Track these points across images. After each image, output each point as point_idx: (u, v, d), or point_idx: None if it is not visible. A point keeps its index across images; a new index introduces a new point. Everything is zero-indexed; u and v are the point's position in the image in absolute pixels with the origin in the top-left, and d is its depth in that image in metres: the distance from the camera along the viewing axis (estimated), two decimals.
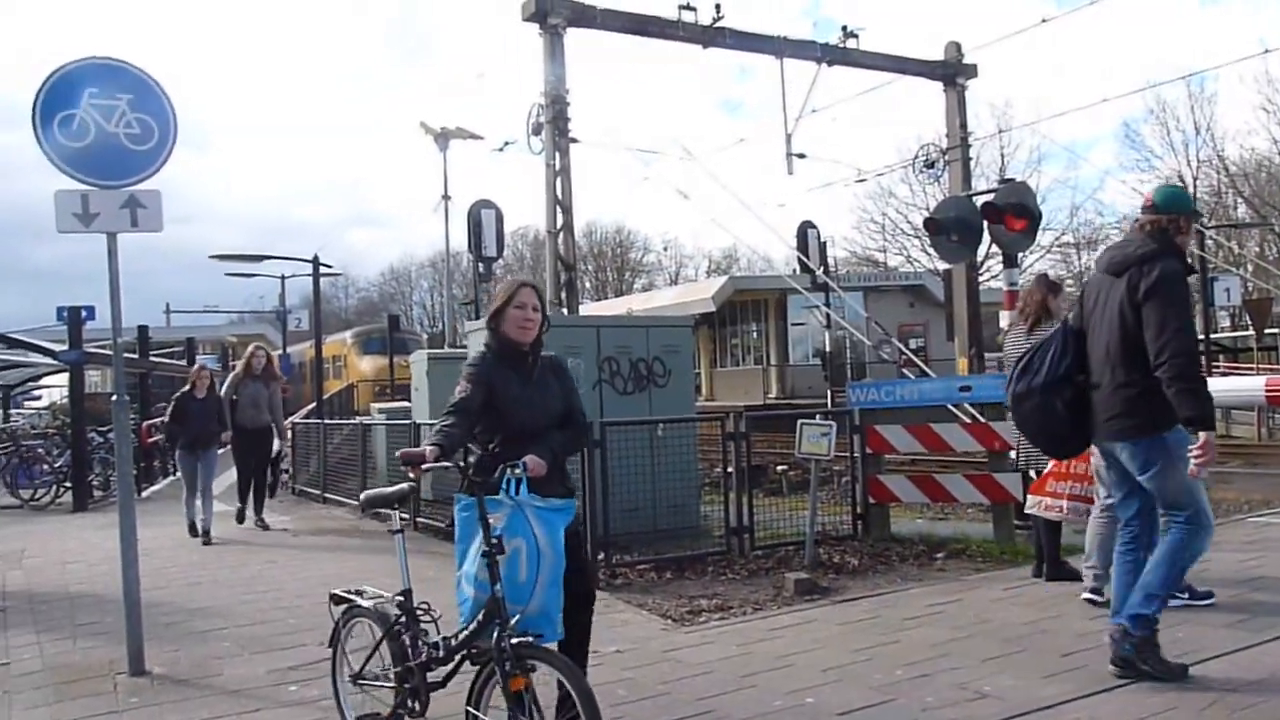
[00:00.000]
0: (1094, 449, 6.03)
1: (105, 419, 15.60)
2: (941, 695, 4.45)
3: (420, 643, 3.70)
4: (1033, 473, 6.86)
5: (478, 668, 3.56)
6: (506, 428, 3.80)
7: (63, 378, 19.72)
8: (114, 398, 5.74)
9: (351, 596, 4.06)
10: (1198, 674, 4.54)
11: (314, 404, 23.65)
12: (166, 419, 10.83)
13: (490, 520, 3.44)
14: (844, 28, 16.58)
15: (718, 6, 14.92)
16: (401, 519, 3.91)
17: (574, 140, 14.22)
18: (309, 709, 4.68)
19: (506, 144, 22.05)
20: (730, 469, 8.29)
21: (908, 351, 20.68)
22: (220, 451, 10.74)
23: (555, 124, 14.01)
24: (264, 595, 7.39)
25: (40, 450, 16.20)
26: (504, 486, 3.52)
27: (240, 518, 11.20)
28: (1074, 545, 7.40)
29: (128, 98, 5.41)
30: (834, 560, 7.79)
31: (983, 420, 8.64)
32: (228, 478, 12.58)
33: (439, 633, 3.71)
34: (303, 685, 5.01)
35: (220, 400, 10.68)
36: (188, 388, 10.62)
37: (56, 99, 5.28)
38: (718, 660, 5.16)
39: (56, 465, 15.48)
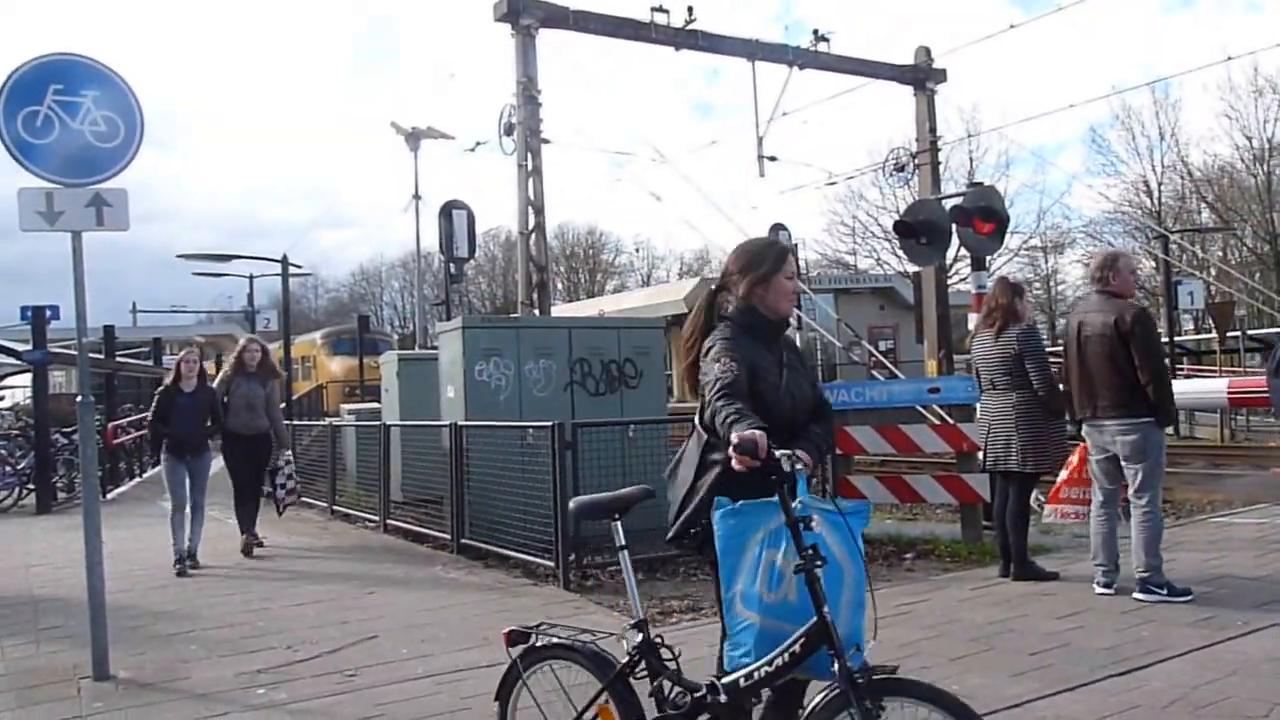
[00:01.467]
0: (1091, 449, 6.15)
1: (70, 420, 15.37)
2: None
3: (670, 688, 3.03)
4: (999, 473, 6.92)
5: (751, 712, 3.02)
6: (768, 418, 2.96)
7: (26, 378, 19.43)
8: (79, 398, 5.66)
9: (531, 631, 3.28)
10: (1160, 672, 4.61)
11: (283, 405, 23.50)
12: (150, 417, 9.29)
13: (810, 525, 2.72)
14: (815, 31, 16.73)
15: (690, 9, 15.00)
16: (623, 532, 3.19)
17: (546, 141, 14.24)
18: (278, 712, 4.65)
19: (478, 144, 21.93)
20: None
21: (877, 353, 20.81)
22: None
23: (527, 124, 14.02)
24: (230, 598, 7.32)
25: (3, 452, 15.94)
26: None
27: (248, 550, 9.23)
28: (1040, 545, 7.50)
29: (93, 94, 5.35)
30: None
31: (951, 422, 8.69)
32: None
33: (680, 674, 3.07)
34: (271, 688, 4.97)
35: (214, 394, 9.17)
36: (171, 379, 9.01)
37: (20, 95, 5.21)
38: (688, 661, 5.07)
39: (20, 467, 15.24)
